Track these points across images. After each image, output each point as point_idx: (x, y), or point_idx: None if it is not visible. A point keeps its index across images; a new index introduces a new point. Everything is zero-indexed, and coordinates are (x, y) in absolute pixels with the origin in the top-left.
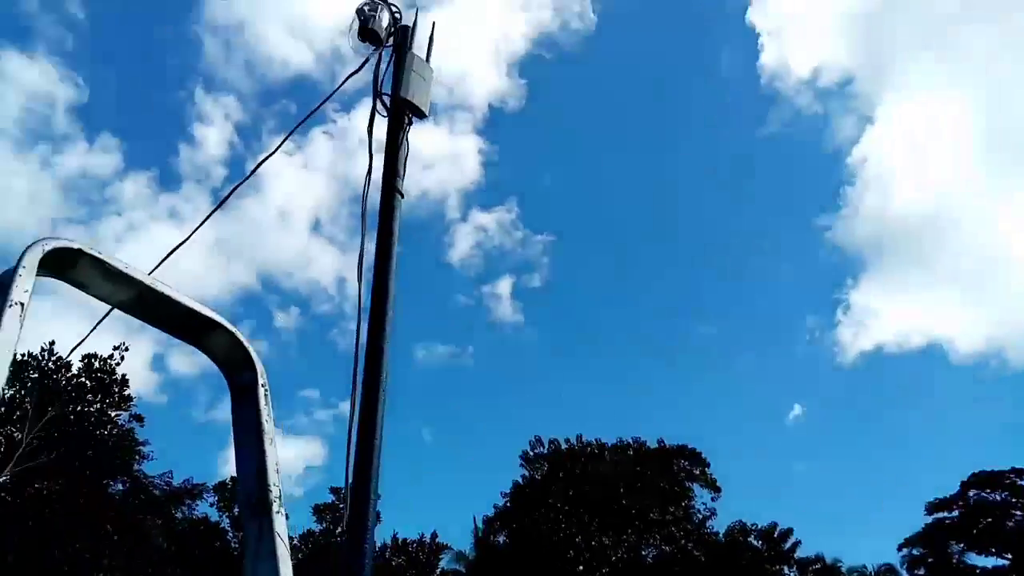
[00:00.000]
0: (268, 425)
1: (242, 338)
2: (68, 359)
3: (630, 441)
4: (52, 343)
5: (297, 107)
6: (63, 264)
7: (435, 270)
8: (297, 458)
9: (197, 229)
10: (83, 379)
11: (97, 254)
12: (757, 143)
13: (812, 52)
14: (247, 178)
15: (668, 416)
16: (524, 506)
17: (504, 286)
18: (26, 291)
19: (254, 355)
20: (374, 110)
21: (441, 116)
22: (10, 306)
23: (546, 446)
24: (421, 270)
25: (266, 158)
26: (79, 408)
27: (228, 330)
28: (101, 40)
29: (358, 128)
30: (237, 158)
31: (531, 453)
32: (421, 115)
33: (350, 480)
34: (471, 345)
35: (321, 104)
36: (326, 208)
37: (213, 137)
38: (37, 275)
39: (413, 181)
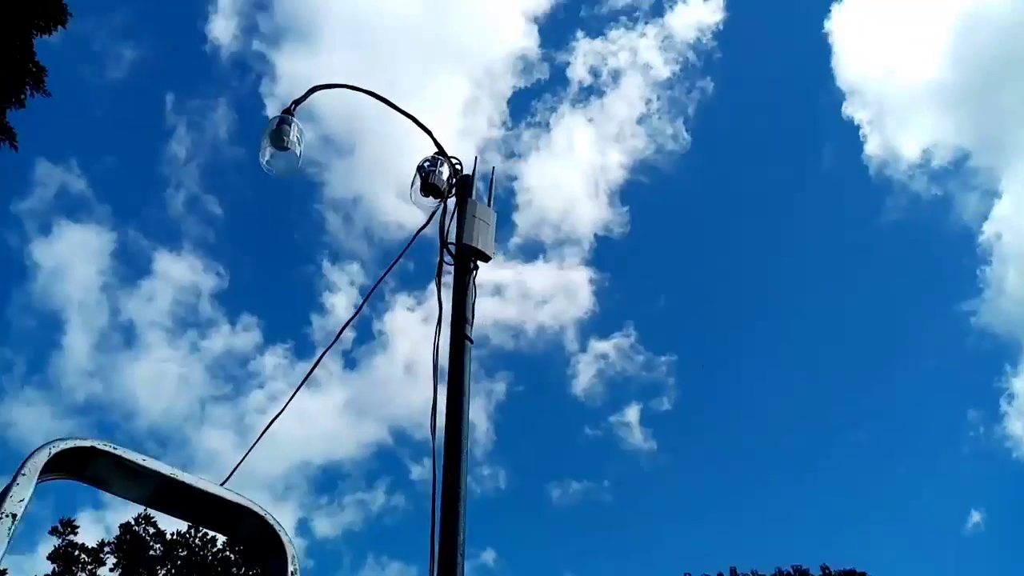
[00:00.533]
0: None
1: (273, 522)
2: (213, 535)
3: (790, 570)
4: None
5: (415, 264)
6: (77, 464)
7: (561, 405)
8: None
9: (289, 401)
10: (227, 553)
11: (112, 450)
12: (877, 234)
13: (918, 135)
14: (330, 347)
15: (827, 537)
16: None
17: (632, 413)
18: (22, 500)
19: (285, 540)
20: (441, 261)
21: (551, 252)
22: (1, 519)
23: None
24: (546, 407)
25: (344, 326)
26: None
27: (258, 515)
28: (237, 230)
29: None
30: (364, 320)
31: None
32: (486, 258)
33: None
34: (606, 479)
35: (390, 268)
36: (446, 356)
37: (341, 303)
38: (52, 477)
39: (530, 318)
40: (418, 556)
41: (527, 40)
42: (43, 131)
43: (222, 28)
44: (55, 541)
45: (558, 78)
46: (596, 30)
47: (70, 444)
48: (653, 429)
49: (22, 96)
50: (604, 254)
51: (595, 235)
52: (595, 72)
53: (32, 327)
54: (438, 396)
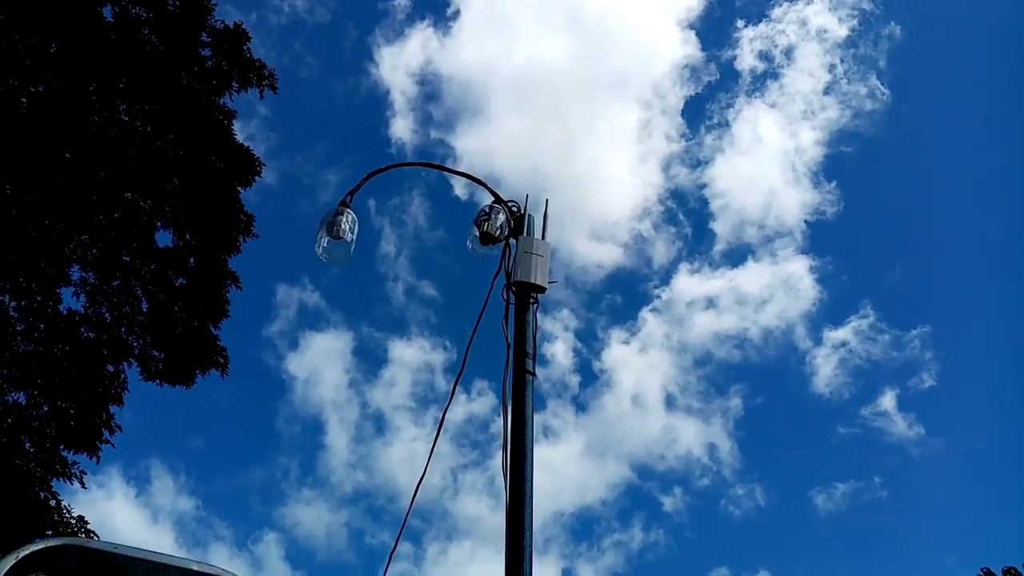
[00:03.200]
0: None
1: None
2: None
3: None
4: None
5: (621, 297)
6: (52, 562)
7: (805, 407)
8: None
9: (429, 461)
10: None
11: (83, 544)
12: None
13: None
14: (449, 404)
15: None
16: None
17: (887, 400)
18: None
19: None
20: (508, 303)
21: (760, 251)
22: None
23: None
24: (790, 412)
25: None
26: None
27: None
28: (453, 304)
29: (680, 296)
30: (584, 361)
31: None
32: (541, 290)
33: None
34: (874, 475)
35: (472, 337)
36: (672, 381)
37: (560, 350)
38: None
39: (750, 324)
40: None
41: (687, 47)
42: (278, 260)
43: (401, 127)
44: None
45: (728, 74)
46: (756, 15)
47: (40, 546)
48: (916, 413)
49: (237, 243)
50: (820, 238)
51: (805, 221)
52: (766, 56)
53: (298, 433)
54: (508, 433)
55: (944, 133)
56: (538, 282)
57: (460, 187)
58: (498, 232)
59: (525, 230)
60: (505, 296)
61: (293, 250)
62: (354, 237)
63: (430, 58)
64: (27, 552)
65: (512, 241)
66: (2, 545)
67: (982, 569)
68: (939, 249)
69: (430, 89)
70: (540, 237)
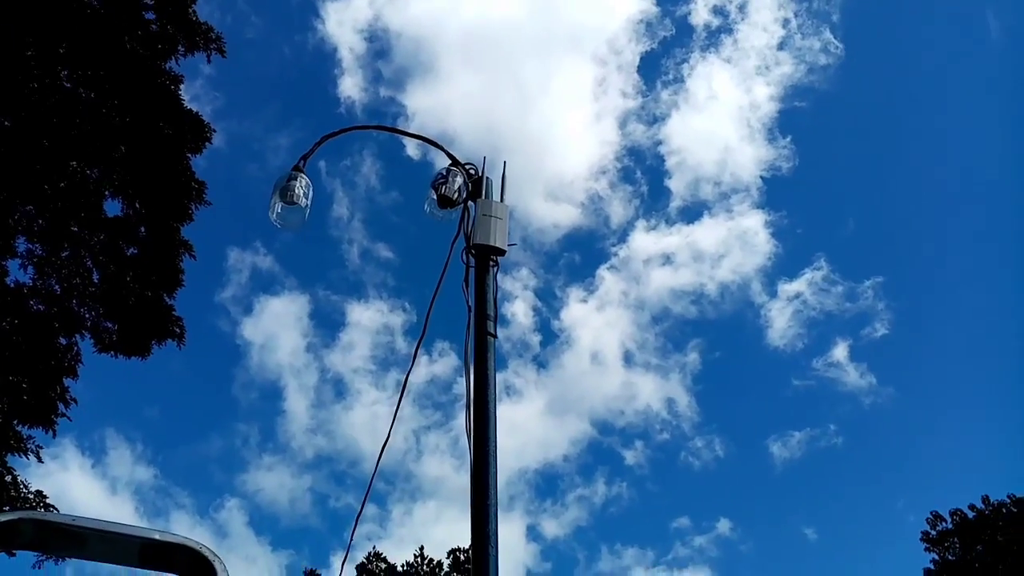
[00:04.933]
0: None
1: (200, 549)
2: (439, 559)
3: None
4: (421, 548)
5: (579, 256)
6: (7, 537)
7: (761, 361)
8: None
9: (393, 425)
10: (454, 574)
11: (39, 517)
12: None
13: None
14: (411, 367)
15: None
16: None
17: (840, 351)
18: None
19: (216, 564)
20: (468, 267)
21: (716, 207)
22: None
23: (948, 520)
24: (745, 366)
25: (413, 362)
26: None
27: (188, 548)
28: (409, 266)
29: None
30: (543, 320)
31: (933, 533)
32: (501, 253)
33: None
34: (829, 423)
35: (429, 313)
36: (630, 338)
37: (520, 309)
38: None
39: (707, 279)
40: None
41: (642, 2)
42: (229, 224)
43: (350, 86)
44: None
45: (683, 29)
46: None
47: None
48: (868, 362)
49: (189, 211)
50: (775, 193)
51: (760, 177)
52: (720, 11)
53: (256, 399)
54: (470, 395)
55: (897, 86)
56: (497, 244)
57: (412, 147)
58: (456, 195)
59: (483, 193)
60: (465, 259)
61: (244, 214)
62: (308, 202)
63: (378, 13)
64: None
65: (471, 204)
66: None
67: (932, 512)
68: (892, 201)
69: (379, 45)
70: (498, 199)
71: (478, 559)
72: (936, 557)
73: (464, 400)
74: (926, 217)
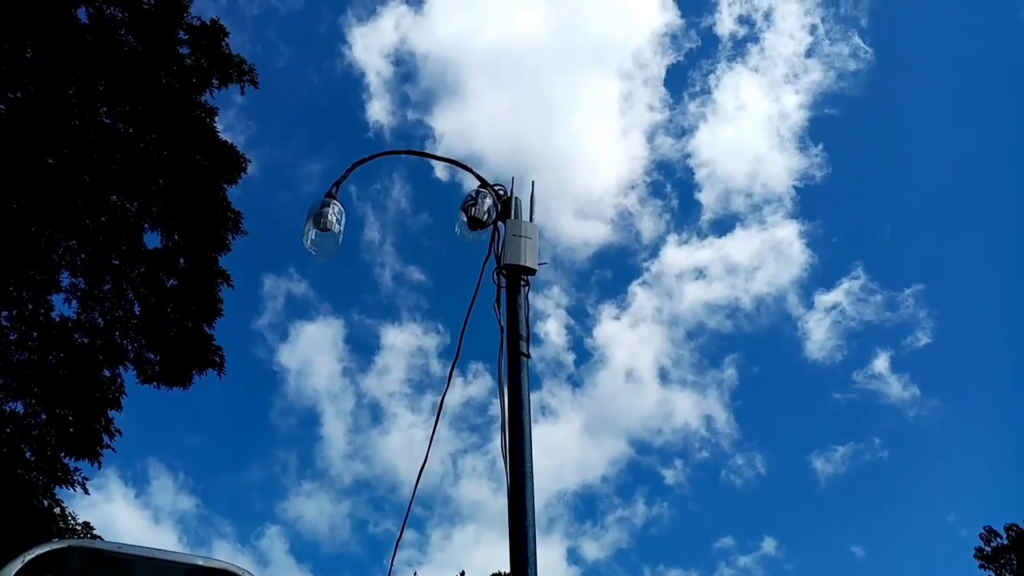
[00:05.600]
0: None
1: (240, 572)
2: None
3: None
4: (462, 573)
5: (612, 272)
6: (58, 564)
7: (799, 374)
8: None
9: (429, 448)
10: None
11: (88, 545)
12: None
13: None
14: (446, 390)
15: None
16: None
17: (881, 363)
18: None
19: None
20: (499, 287)
21: (748, 219)
22: None
23: (1004, 535)
24: (784, 379)
25: (446, 390)
26: None
27: (231, 572)
28: (442, 288)
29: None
30: (576, 339)
31: (987, 549)
32: (532, 272)
33: None
34: (874, 436)
35: (463, 335)
36: (665, 355)
37: (553, 328)
38: None
39: (741, 292)
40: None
41: (666, 15)
42: (263, 251)
43: (378, 110)
44: None
45: (709, 40)
46: None
47: (45, 549)
48: (910, 373)
49: (226, 241)
50: (809, 202)
51: (793, 187)
52: (745, 20)
53: (294, 426)
54: (505, 416)
55: (930, 88)
56: (528, 264)
57: (441, 169)
58: (486, 216)
59: (513, 213)
60: (496, 280)
61: (277, 241)
62: (341, 228)
63: (404, 37)
64: (33, 555)
65: (500, 224)
66: (8, 555)
67: (985, 527)
68: (930, 207)
69: (406, 69)
70: (527, 219)
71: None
72: (992, 574)
73: (499, 421)
74: (966, 221)
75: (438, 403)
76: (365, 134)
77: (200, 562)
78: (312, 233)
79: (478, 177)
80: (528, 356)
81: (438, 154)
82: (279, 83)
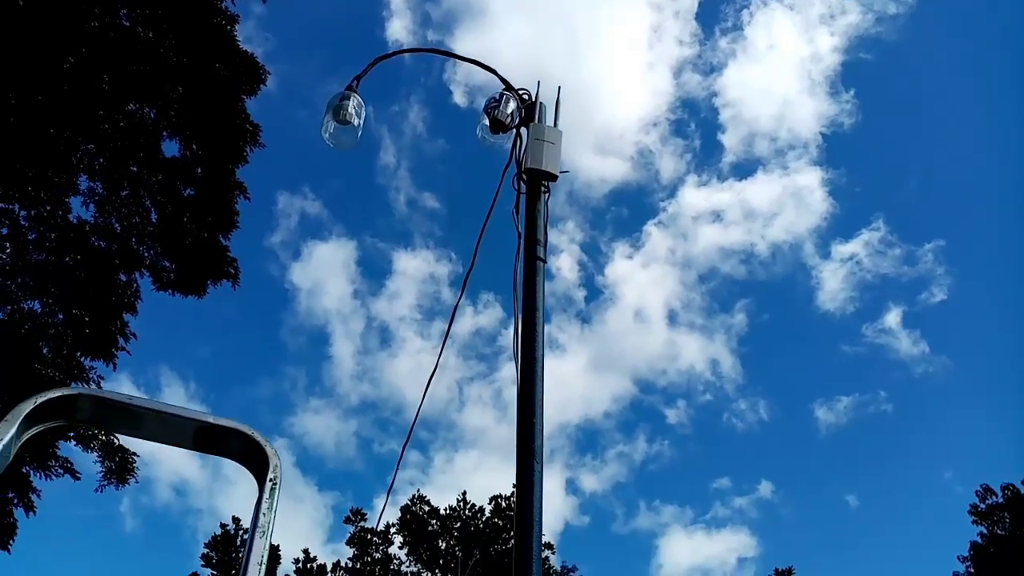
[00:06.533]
0: (264, 518)
1: (253, 434)
2: (481, 505)
3: None
4: (464, 493)
5: (628, 211)
6: (67, 410)
7: (809, 324)
8: (728, 551)
9: (435, 369)
10: (495, 520)
11: (98, 394)
12: None
13: None
14: (460, 297)
15: None
16: (996, 571)
17: (893, 317)
18: (1, 440)
19: (268, 449)
20: (519, 192)
21: (771, 163)
22: None
23: (999, 494)
24: (793, 328)
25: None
26: (498, 547)
27: (242, 432)
28: (456, 216)
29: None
30: (588, 276)
31: (982, 506)
32: (553, 178)
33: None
34: (880, 389)
35: (479, 242)
36: (675, 296)
37: (565, 264)
38: (48, 423)
39: (758, 238)
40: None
41: None
42: (276, 167)
43: (398, 28)
44: (350, 528)
45: None
46: None
47: (56, 394)
48: (921, 330)
49: (244, 154)
50: (835, 149)
51: (820, 133)
52: None
53: (304, 343)
54: (518, 325)
55: (970, 39)
56: (549, 169)
57: (459, 95)
58: (508, 120)
59: (536, 117)
60: (516, 185)
61: (293, 158)
62: (361, 121)
63: None
64: (44, 399)
65: (523, 130)
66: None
67: (981, 485)
68: (958, 162)
69: None
70: (552, 125)
71: (523, 473)
72: (984, 531)
73: (513, 326)
74: (993, 180)
75: (461, 331)
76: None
77: (212, 420)
78: (331, 125)
79: (502, 79)
80: (544, 261)
81: (460, 62)
82: None
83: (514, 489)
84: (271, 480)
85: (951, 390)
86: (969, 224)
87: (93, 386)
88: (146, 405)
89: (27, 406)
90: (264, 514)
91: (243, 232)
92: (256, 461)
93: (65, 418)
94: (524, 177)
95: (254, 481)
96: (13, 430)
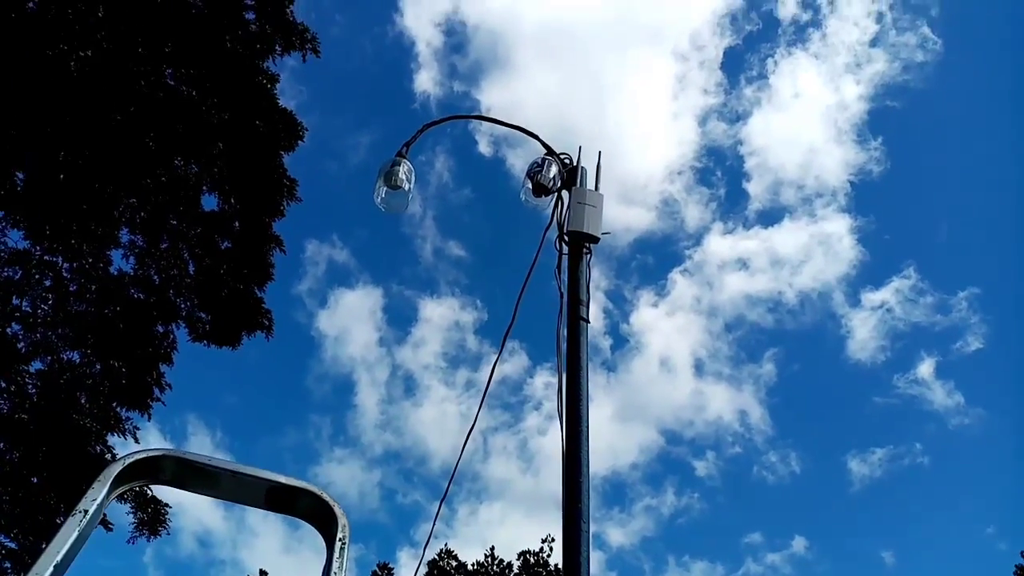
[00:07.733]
0: None
1: (322, 495)
2: (509, 560)
3: None
4: (492, 548)
5: (653, 259)
6: (154, 471)
7: (840, 374)
8: None
9: (473, 426)
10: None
11: (179, 455)
12: None
13: None
14: (500, 352)
15: None
16: None
17: (926, 367)
18: (94, 500)
19: (337, 509)
20: (560, 254)
21: (798, 211)
22: (73, 515)
23: None
24: (823, 378)
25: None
26: None
27: (312, 492)
28: (481, 264)
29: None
30: (614, 324)
31: None
32: (595, 240)
33: None
34: (915, 442)
35: (520, 298)
36: (702, 346)
37: (592, 310)
38: (135, 483)
39: (785, 286)
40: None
41: None
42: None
43: (425, 80)
44: None
45: (769, 23)
46: None
47: (143, 455)
48: (955, 380)
49: (281, 207)
50: (863, 197)
51: (848, 181)
52: (809, 5)
53: (329, 391)
54: (562, 385)
55: (1000, 85)
56: (591, 232)
57: (484, 144)
58: (551, 183)
59: (579, 181)
60: (557, 246)
61: (322, 207)
62: (411, 186)
63: (456, 5)
64: (133, 459)
65: (564, 193)
66: (64, 493)
67: None
68: (991, 208)
69: (456, 39)
70: (593, 188)
71: (570, 534)
72: None
73: (556, 386)
74: None
75: (485, 379)
76: (411, 105)
77: (283, 480)
78: (383, 191)
79: (544, 145)
80: (588, 321)
81: (496, 123)
82: (328, 49)
83: (542, 544)
84: (340, 540)
85: (988, 442)
86: (1005, 271)
87: (129, 439)
88: (222, 465)
89: (116, 467)
90: (335, 573)
91: (274, 281)
92: (325, 521)
93: (149, 478)
94: (566, 239)
95: (290, 534)
96: (105, 491)
